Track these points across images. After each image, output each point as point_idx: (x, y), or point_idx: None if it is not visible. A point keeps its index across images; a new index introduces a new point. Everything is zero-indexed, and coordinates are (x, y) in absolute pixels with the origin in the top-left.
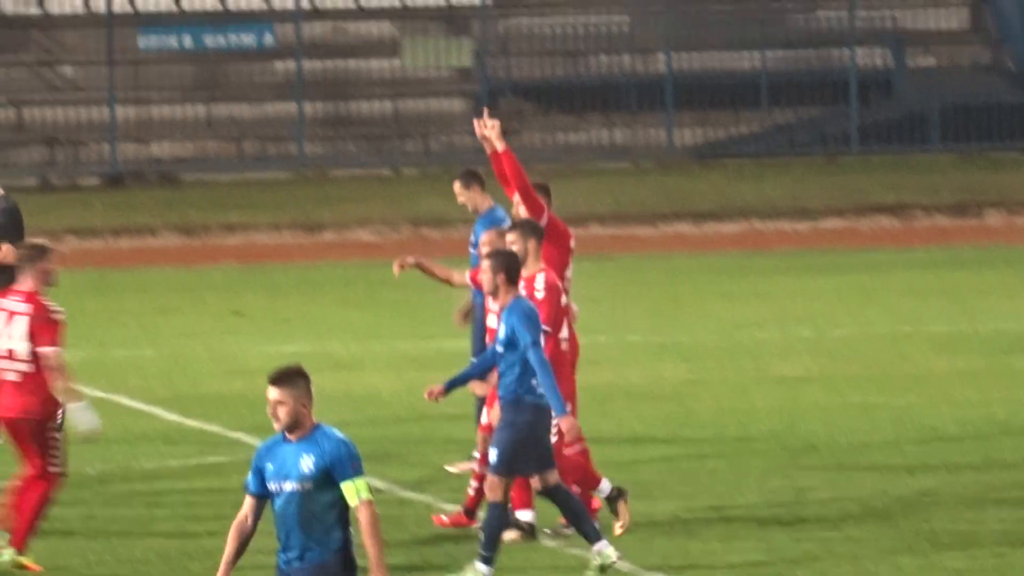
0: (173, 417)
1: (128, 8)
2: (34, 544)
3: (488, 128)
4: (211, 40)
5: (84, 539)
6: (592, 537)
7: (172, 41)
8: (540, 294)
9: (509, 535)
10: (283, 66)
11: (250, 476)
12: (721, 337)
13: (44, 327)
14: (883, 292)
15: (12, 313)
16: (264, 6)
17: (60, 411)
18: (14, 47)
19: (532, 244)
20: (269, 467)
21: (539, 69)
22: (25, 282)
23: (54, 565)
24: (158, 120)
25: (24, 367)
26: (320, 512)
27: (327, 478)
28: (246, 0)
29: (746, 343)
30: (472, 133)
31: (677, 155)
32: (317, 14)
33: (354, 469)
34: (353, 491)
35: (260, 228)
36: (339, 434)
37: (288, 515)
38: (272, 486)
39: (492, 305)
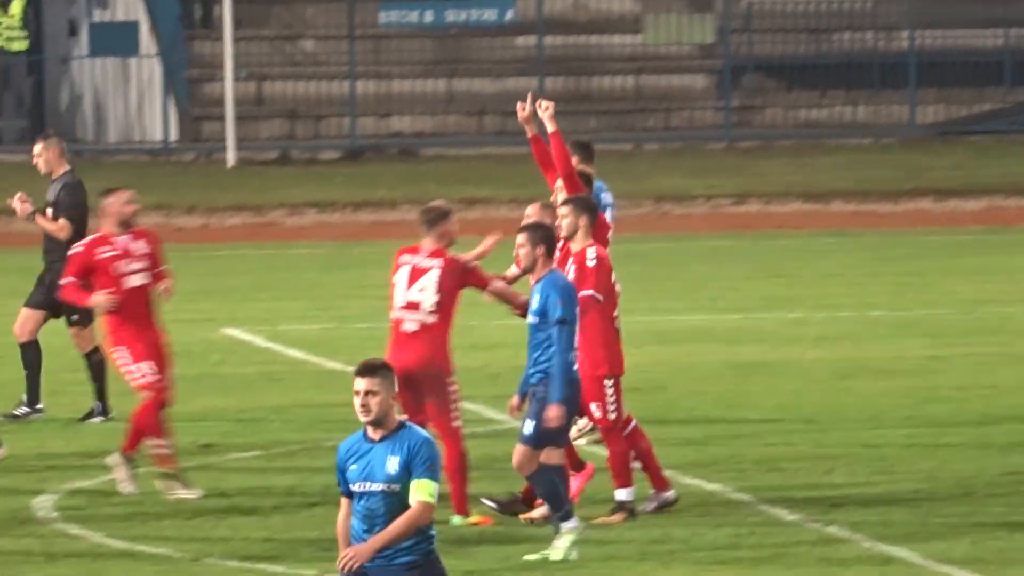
0: None
1: None
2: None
3: (542, 110)
4: (452, 15)
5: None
6: (564, 517)
7: (413, 16)
8: (592, 263)
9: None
10: (524, 42)
11: (338, 478)
12: (963, 313)
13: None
14: None
15: (421, 269)
16: None
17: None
18: (256, 22)
19: (584, 220)
20: (353, 468)
21: (782, 46)
22: (430, 242)
23: None
24: (398, 95)
25: (429, 319)
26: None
27: (410, 476)
28: None
29: (989, 319)
30: (715, 108)
31: (919, 132)
32: None
33: (429, 471)
34: (419, 489)
35: (500, 203)
36: (424, 433)
37: (376, 515)
38: (356, 487)
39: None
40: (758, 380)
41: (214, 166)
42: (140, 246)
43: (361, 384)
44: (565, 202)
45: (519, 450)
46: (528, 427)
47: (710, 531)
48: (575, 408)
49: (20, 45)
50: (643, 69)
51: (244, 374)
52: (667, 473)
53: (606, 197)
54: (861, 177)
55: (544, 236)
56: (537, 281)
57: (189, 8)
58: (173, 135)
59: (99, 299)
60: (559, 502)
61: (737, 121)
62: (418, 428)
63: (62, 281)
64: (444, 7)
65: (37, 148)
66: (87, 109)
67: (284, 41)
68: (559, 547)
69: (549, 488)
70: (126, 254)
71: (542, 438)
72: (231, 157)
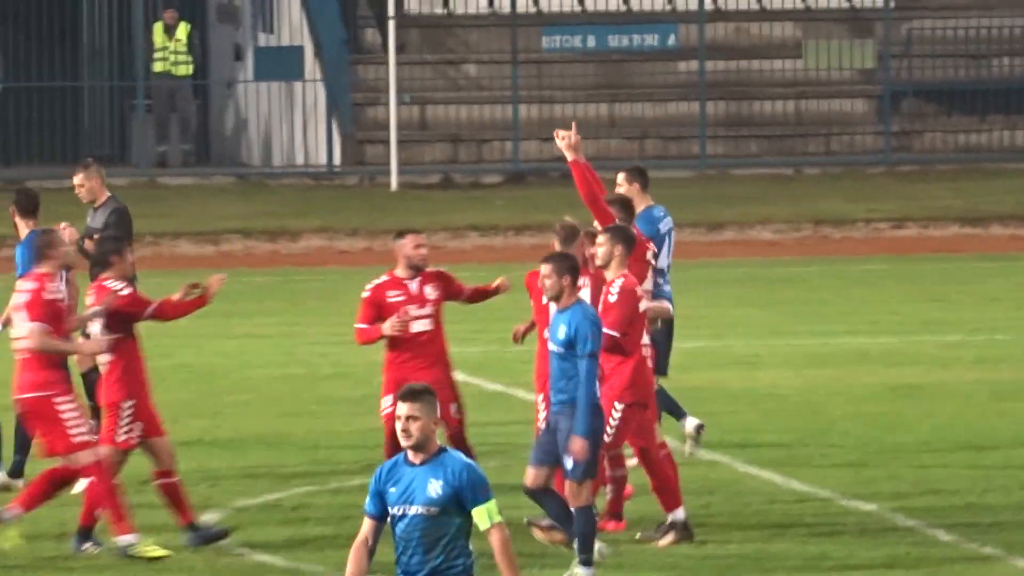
0: None
1: (532, 8)
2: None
3: (560, 139)
4: (614, 41)
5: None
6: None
7: (576, 42)
8: (613, 298)
9: (666, 540)
10: (686, 67)
11: (369, 499)
12: None
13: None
14: None
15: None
16: (668, 8)
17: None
18: (419, 47)
19: (620, 250)
20: (392, 491)
21: (941, 71)
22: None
23: None
24: (560, 119)
25: None
26: (446, 536)
27: (455, 502)
28: (649, 1)
29: None
30: (875, 133)
31: None
32: (720, 15)
33: (484, 495)
34: (485, 515)
35: None
36: (465, 458)
37: (412, 539)
38: (395, 510)
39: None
40: (915, 402)
41: (377, 189)
42: (429, 291)
43: (403, 409)
44: (604, 231)
45: (572, 488)
46: (568, 463)
47: (867, 551)
48: (599, 439)
49: (185, 70)
50: (804, 94)
51: None
52: (825, 494)
53: (666, 223)
54: (1020, 201)
55: (570, 267)
56: (562, 311)
57: (353, 33)
58: (337, 159)
59: (390, 326)
60: (588, 544)
61: (896, 146)
62: (458, 453)
63: (356, 326)
64: (607, 32)
65: (78, 178)
66: (252, 133)
67: (447, 66)
68: None
69: (587, 528)
70: (414, 299)
71: (581, 470)
72: (394, 181)
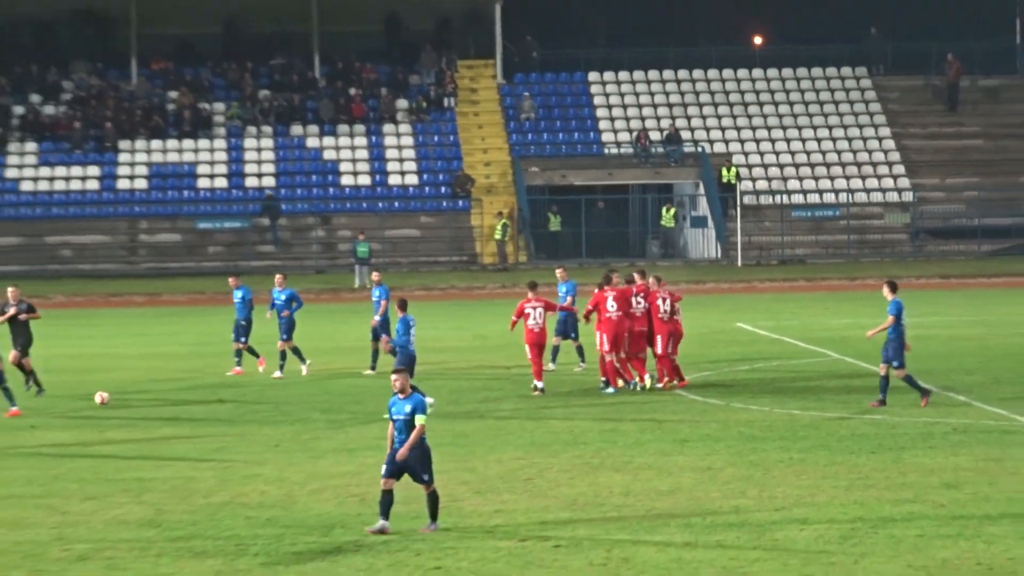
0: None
1: None
2: None
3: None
4: None
5: None
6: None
7: None
8: None
9: None
10: None
11: (390, 412)
12: None
13: None
14: None
15: None
16: None
17: None
18: None
19: None
20: (393, 409)
21: None
22: None
23: None
24: None
25: None
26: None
27: (412, 414)
28: None
29: None
30: None
31: None
32: None
33: (422, 412)
34: (419, 419)
35: None
36: (421, 396)
37: (400, 432)
38: (395, 418)
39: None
40: None
41: None
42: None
43: (394, 378)
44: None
45: None
46: None
47: None
48: None
49: None
50: None
51: None
52: None
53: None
54: None
55: None
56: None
57: None
58: None
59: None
60: None
61: None
62: (419, 393)
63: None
64: None
65: None
66: None
67: None
68: None
69: None
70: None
71: None
72: None
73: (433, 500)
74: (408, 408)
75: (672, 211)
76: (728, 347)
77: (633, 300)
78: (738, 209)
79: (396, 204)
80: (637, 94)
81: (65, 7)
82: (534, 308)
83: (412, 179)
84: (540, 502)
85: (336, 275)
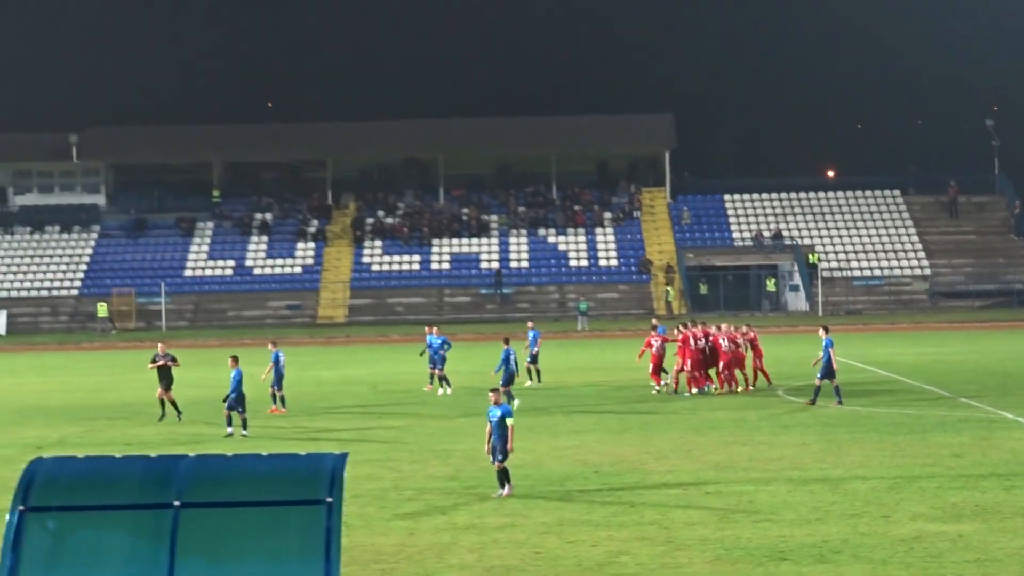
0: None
1: None
2: None
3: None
4: None
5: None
6: None
7: None
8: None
9: None
10: None
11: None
12: None
13: None
14: None
15: None
16: None
17: None
18: None
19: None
20: (489, 414)
21: None
22: None
23: None
24: None
25: None
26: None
27: (503, 417)
28: None
29: None
30: None
31: None
32: None
33: (510, 415)
34: (508, 421)
35: None
36: (506, 405)
37: (495, 432)
38: (491, 420)
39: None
40: None
41: None
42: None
43: (490, 394)
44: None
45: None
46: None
47: None
48: None
49: None
50: None
51: None
52: None
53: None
54: None
55: None
56: None
57: None
58: None
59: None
60: None
61: None
62: (504, 403)
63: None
64: None
65: None
66: None
67: None
68: None
69: None
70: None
71: None
72: None
73: (505, 473)
74: (499, 413)
75: (773, 281)
76: (813, 367)
77: (696, 338)
78: (819, 280)
79: (604, 278)
80: (755, 206)
81: (399, 156)
82: (656, 340)
83: (614, 262)
84: (695, 465)
85: (566, 322)
